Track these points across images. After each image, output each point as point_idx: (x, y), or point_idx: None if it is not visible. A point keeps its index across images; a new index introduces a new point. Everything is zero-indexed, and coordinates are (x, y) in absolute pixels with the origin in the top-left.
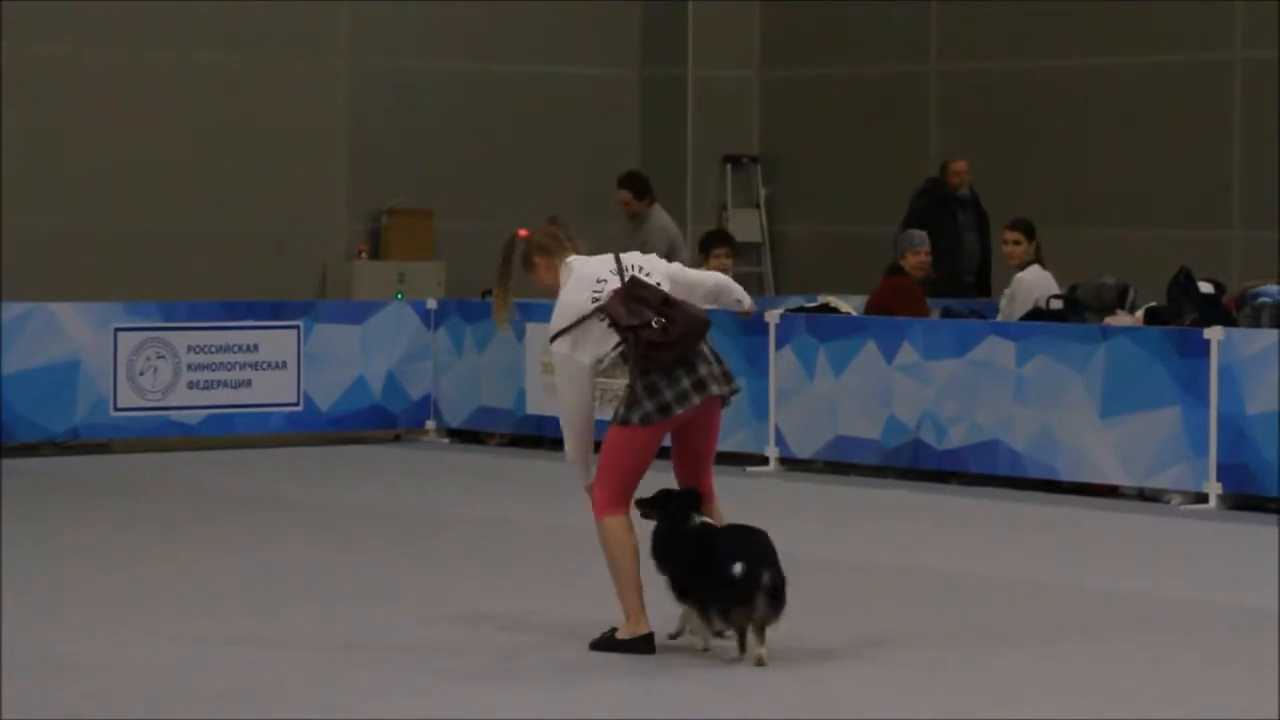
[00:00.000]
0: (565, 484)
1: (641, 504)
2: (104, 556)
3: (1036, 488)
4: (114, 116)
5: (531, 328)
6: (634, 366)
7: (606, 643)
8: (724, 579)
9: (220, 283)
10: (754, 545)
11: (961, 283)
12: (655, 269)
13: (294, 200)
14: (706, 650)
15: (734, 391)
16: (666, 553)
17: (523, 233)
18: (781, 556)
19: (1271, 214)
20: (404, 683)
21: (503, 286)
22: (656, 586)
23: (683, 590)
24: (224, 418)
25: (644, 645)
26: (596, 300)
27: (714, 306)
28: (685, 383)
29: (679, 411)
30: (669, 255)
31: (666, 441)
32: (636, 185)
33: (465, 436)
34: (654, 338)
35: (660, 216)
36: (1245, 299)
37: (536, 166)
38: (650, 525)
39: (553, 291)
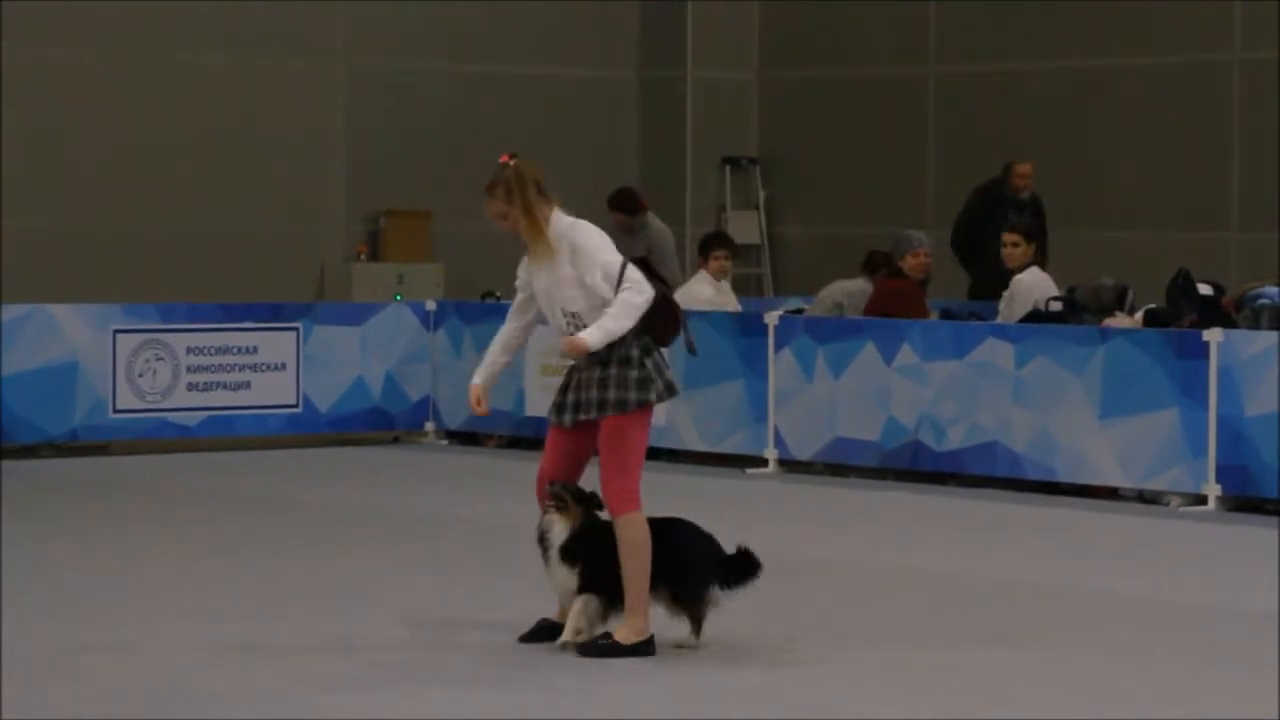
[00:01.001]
0: None
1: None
2: (104, 557)
3: (1035, 489)
4: (113, 118)
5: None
6: (661, 329)
7: (608, 649)
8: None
9: (219, 284)
10: (697, 538)
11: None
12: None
13: (293, 202)
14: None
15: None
16: (584, 548)
17: (506, 158)
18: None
19: (1270, 215)
20: (403, 683)
21: (541, 211)
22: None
23: (598, 581)
24: (223, 419)
25: (649, 648)
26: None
27: None
28: (670, 375)
29: (669, 399)
30: (665, 255)
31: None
32: (628, 204)
33: (464, 438)
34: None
35: (656, 220)
36: (1244, 301)
37: None
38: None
39: (510, 234)
